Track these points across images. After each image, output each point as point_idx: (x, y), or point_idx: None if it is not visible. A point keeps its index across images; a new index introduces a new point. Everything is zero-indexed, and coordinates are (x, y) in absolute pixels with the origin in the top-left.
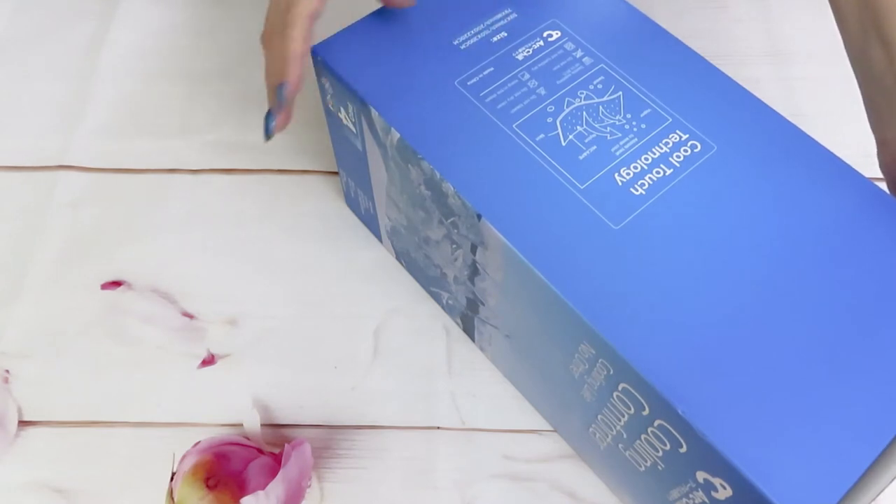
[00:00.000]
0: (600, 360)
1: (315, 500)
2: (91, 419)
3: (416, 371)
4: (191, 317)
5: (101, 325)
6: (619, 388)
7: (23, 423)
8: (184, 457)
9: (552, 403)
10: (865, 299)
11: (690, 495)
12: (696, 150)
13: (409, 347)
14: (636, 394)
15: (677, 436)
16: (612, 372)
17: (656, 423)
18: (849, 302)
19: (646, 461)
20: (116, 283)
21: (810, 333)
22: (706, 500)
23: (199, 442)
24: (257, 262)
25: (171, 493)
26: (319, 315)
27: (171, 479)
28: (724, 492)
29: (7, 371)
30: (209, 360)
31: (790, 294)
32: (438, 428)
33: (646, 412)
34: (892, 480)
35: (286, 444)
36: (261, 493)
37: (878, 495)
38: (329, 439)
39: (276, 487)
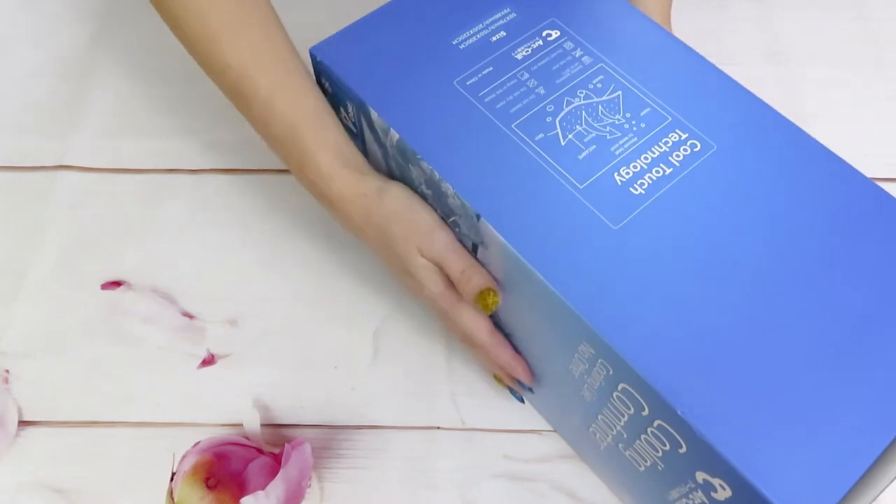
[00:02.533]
0: (600, 361)
1: (315, 500)
2: (91, 419)
3: (416, 371)
4: (191, 317)
5: (101, 325)
6: (619, 388)
7: (23, 423)
8: (184, 457)
9: (552, 403)
10: (865, 300)
11: (690, 495)
12: (695, 150)
13: (409, 347)
14: (636, 394)
15: (677, 436)
16: (611, 372)
17: (656, 423)
18: (849, 302)
19: (646, 461)
20: (116, 283)
21: (810, 334)
22: (706, 500)
23: (199, 442)
24: (257, 262)
25: (171, 493)
26: (319, 315)
27: (171, 479)
28: (723, 492)
29: (7, 371)
30: (209, 360)
31: (790, 294)
32: (438, 428)
33: (645, 412)
34: (892, 481)
35: (286, 444)
36: (261, 493)
37: (877, 496)
38: (329, 439)
39: (276, 487)
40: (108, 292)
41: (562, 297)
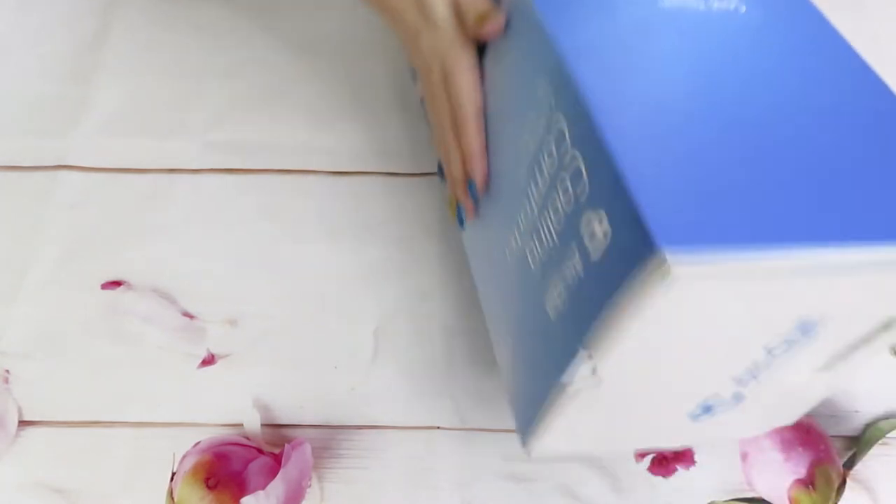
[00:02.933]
0: (552, 95)
1: (315, 500)
2: (91, 419)
3: (416, 371)
4: (191, 317)
5: (101, 325)
6: (554, 128)
7: (23, 423)
8: (184, 457)
9: (488, 224)
10: (849, 154)
11: (566, 270)
12: (740, 11)
13: (409, 347)
14: (565, 125)
15: (583, 168)
16: (554, 102)
17: (572, 164)
18: (840, 147)
19: (542, 243)
20: (116, 283)
21: (789, 156)
22: (579, 268)
23: (199, 442)
24: (257, 262)
25: (171, 493)
26: (320, 315)
27: (171, 479)
28: (599, 231)
29: (7, 371)
30: (209, 360)
31: (780, 133)
32: (438, 428)
33: (566, 149)
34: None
35: (286, 444)
36: (261, 493)
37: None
38: (329, 439)
39: (276, 487)
40: (108, 292)
41: (541, 22)
